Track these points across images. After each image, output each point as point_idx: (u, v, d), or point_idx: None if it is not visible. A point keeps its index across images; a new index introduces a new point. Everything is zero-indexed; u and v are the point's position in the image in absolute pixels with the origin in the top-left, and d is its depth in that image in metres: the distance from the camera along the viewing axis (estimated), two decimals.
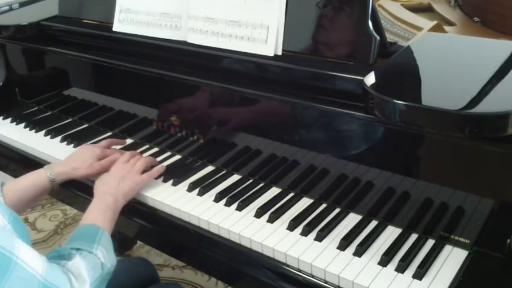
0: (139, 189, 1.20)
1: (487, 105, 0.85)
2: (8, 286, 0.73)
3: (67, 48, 1.51)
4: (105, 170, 1.26)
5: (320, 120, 1.08)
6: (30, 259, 0.78)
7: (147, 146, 1.42)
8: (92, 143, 1.43)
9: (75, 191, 1.32)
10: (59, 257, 0.92)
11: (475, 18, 1.52)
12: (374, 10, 1.05)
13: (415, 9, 1.57)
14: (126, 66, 1.36)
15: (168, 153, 1.38)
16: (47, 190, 1.23)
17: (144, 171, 1.24)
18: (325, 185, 1.12)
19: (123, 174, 1.19)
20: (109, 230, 1.05)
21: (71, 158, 1.30)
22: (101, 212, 1.07)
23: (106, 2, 1.43)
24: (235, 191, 1.19)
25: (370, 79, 0.96)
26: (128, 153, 1.29)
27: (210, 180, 1.24)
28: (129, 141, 1.46)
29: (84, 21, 1.52)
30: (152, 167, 1.29)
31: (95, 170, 1.27)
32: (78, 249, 0.94)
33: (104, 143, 1.38)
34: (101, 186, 1.15)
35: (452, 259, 0.96)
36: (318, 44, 1.12)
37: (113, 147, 1.39)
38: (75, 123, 1.59)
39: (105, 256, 0.97)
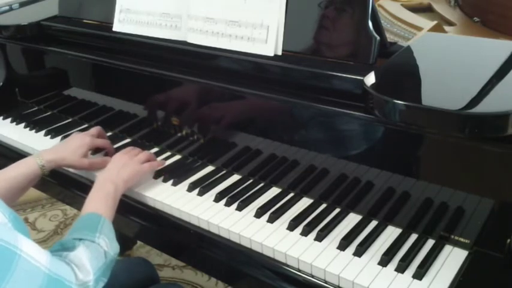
0: (140, 177, 1.21)
1: (487, 105, 0.85)
2: (14, 279, 0.73)
3: (67, 48, 1.51)
4: (94, 168, 1.28)
5: (320, 120, 1.08)
6: (34, 252, 0.78)
7: (146, 146, 1.42)
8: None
9: (75, 191, 1.33)
10: (62, 249, 0.92)
11: (475, 18, 1.52)
12: (374, 10, 1.05)
13: (415, 9, 1.57)
14: (126, 66, 1.36)
15: (168, 153, 1.38)
16: (37, 177, 1.22)
17: None
18: (325, 185, 1.12)
19: (125, 162, 1.20)
20: (110, 217, 1.05)
21: (61, 146, 1.30)
22: (102, 200, 1.07)
23: (106, 2, 1.43)
24: (235, 191, 1.19)
25: (370, 79, 0.96)
26: (129, 147, 1.29)
27: (210, 180, 1.24)
28: (129, 141, 1.46)
29: (84, 21, 1.52)
30: None
31: (83, 165, 1.27)
32: (80, 239, 0.94)
33: (93, 131, 1.36)
34: (102, 174, 1.16)
35: (452, 259, 0.96)
36: (318, 44, 1.12)
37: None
38: (75, 123, 1.59)
39: (107, 244, 0.97)
